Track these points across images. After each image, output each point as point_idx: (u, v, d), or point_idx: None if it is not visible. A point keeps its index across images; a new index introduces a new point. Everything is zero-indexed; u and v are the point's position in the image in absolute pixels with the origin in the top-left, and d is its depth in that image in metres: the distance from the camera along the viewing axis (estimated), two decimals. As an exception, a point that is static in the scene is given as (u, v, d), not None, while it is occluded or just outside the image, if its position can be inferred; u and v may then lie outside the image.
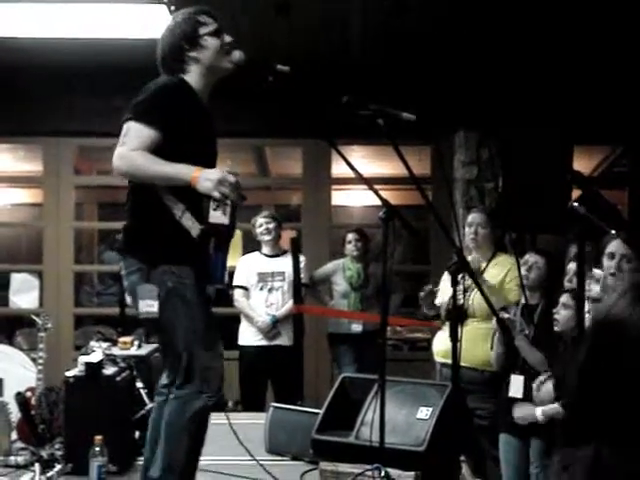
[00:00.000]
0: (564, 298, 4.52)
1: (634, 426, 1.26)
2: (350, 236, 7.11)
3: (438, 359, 5.37)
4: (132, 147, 3.43)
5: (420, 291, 5.50)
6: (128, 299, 3.84)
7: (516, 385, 4.63)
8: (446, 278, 5.19)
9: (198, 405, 3.56)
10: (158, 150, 3.44)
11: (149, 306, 3.52)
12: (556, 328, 4.52)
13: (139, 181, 3.52)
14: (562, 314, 4.49)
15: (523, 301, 4.87)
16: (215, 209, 3.45)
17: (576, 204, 3.90)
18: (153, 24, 5.74)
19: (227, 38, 3.70)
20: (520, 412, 4.63)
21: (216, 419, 3.88)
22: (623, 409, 1.27)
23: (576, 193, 7.14)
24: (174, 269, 3.53)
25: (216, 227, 3.48)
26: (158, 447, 3.62)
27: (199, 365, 3.55)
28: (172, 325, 3.56)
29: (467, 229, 5.39)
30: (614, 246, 3.87)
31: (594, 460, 1.32)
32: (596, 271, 4.43)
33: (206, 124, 3.68)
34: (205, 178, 3.41)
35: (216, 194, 3.40)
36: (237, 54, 3.69)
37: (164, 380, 3.77)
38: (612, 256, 3.82)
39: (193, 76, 3.67)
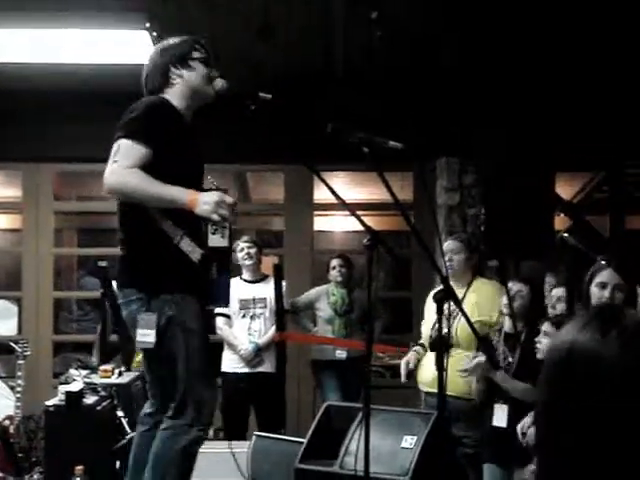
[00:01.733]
0: (545, 326, 4.50)
1: (594, 455, 1.23)
2: (334, 262, 7.08)
3: (423, 388, 5.34)
4: (125, 165, 3.39)
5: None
6: (129, 329, 3.78)
7: (500, 414, 4.60)
8: (430, 306, 5.17)
9: (188, 438, 3.52)
10: (147, 167, 3.40)
11: (145, 335, 3.47)
12: (538, 356, 4.50)
13: (131, 200, 3.46)
14: (544, 342, 4.48)
15: (506, 329, 4.85)
16: (214, 233, 3.43)
17: (566, 234, 3.91)
18: (134, 50, 5.74)
19: (214, 72, 3.72)
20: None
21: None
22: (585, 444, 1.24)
23: (559, 220, 7.19)
24: (175, 298, 3.49)
25: (216, 251, 3.46)
26: (144, 477, 3.57)
27: (194, 397, 3.52)
28: (171, 355, 3.51)
29: (445, 257, 5.38)
30: (605, 276, 3.85)
31: None
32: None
33: (192, 143, 3.67)
34: (204, 202, 3.38)
35: (215, 217, 3.37)
36: (220, 83, 3.71)
37: (148, 409, 3.72)
38: (603, 285, 3.80)
39: (175, 96, 3.67)
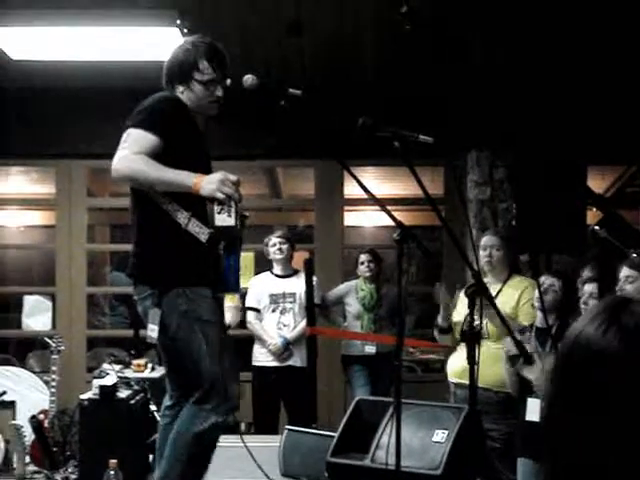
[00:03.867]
0: (578, 321, 4.49)
1: (602, 449, 1.23)
2: (363, 257, 7.09)
3: (452, 379, 5.35)
4: (133, 151, 3.43)
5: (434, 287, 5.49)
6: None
7: (533, 408, 4.58)
8: (462, 299, 5.17)
9: (208, 423, 3.53)
10: (156, 157, 3.43)
11: (152, 331, 3.52)
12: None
13: (138, 185, 3.51)
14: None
15: (537, 323, 4.84)
16: (220, 212, 3.43)
17: (597, 227, 3.92)
18: (165, 47, 5.77)
19: (219, 92, 3.72)
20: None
21: (230, 441, 3.86)
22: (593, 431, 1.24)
23: (591, 214, 7.15)
24: (188, 291, 3.52)
25: (223, 230, 3.45)
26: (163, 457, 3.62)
27: (220, 386, 3.54)
28: (189, 347, 3.54)
29: (481, 252, 5.37)
30: (622, 271, 3.93)
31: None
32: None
33: (200, 142, 3.72)
34: (207, 181, 3.41)
35: (220, 195, 3.39)
36: (249, 79, 3.71)
37: (168, 402, 3.76)
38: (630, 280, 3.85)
39: (184, 98, 3.72)
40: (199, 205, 3.48)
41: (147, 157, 3.41)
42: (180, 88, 3.71)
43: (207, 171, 3.66)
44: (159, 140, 3.45)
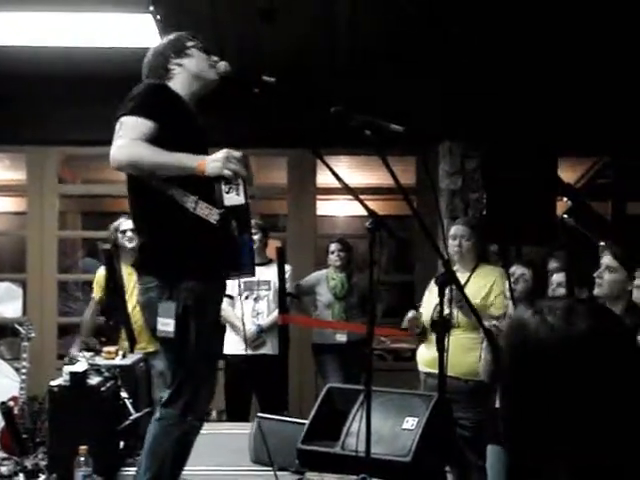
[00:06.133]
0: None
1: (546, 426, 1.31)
2: (333, 246, 7.11)
3: (423, 369, 5.38)
4: (130, 138, 3.35)
5: (405, 316, 5.48)
6: (143, 313, 3.78)
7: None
8: (432, 289, 5.20)
9: (181, 430, 3.50)
10: (152, 142, 3.35)
11: (165, 325, 3.43)
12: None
13: (139, 172, 3.40)
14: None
15: (509, 313, 4.88)
16: (228, 191, 3.34)
17: (566, 216, 3.96)
18: (138, 33, 5.76)
19: (213, 57, 3.72)
20: None
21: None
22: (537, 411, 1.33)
23: (561, 205, 7.20)
24: (196, 288, 3.44)
25: (234, 209, 3.37)
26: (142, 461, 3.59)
27: (190, 387, 3.50)
28: (179, 343, 3.48)
29: (451, 241, 5.40)
30: (604, 258, 3.98)
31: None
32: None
33: (195, 127, 3.63)
34: (212, 160, 3.34)
35: (227, 172, 3.32)
36: (223, 65, 3.71)
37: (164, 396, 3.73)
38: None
39: (177, 83, 3.66)
40: (205, 187, 3.37)
41: (145, 142, 3.33)
42: (176, 62, 3.66)
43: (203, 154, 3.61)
44: (154, 124, 3.37)
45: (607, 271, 4.07)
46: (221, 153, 3.37)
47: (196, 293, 3.44)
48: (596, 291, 4.10)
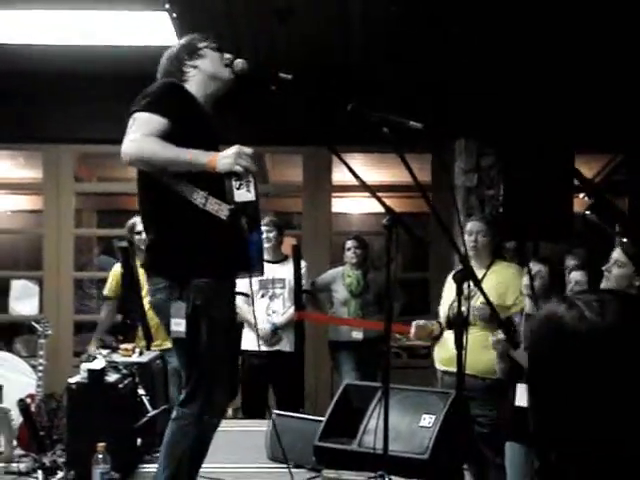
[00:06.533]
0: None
1: (582, 422, 1.31)
2: (349, 243, 7.11)
3: (440, 367, 5.37)
4: (142, 133, 3.35)
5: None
6: (156, 314, 3.79)
7: (522, 393, 4.61)
8: (449, 286, 5.19)
9: (198, 430, 3.50)
10: (165, 138, 3.34)
11: (178, 325, 3.42)
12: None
13: (150, 168, 3.40)
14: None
15: (527, 309, 4.87)
16: (239, 188, 3.32)
17: (588, 212, 3.97)
18: (154, 31, 5.77)
19: (227, 54, 3.72)
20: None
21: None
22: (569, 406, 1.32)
23: (577, 201, 7.18)
24: (206, 287, 3.42)
25: (244, 205, 3.35)
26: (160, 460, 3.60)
27: (205, 388, 3.49)
28: (192, 343, 3.47)
29: (467, 237, 5.39)
30: (614, 252, 3.99)
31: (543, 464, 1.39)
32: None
33: (208, 128, 3.62)
34: (223, 156, 3.34)
35: (238, 168, 3.31)
36: (240, 63, 3.70)
37: (181, 396, 3.73)
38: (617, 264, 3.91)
39: (193, 85, 3.66)
40: (215, 184, 3.35)
41: (157, 138, 3.33)
42: (190, 64, 3.67)
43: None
44: (167, 121, 3.36)
45: (616, 265, 4.10)
46: (232, 149, 3.36)
47: (205, 292, 3.42)
48: (603, 284, 4.12)
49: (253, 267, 3.55)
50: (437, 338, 5.43)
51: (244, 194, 3.35)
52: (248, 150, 3.39)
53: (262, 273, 3.69)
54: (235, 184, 3.34)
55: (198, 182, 3.39)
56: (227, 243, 3.41)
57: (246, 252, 3.45)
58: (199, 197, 3.38)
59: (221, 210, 3.36)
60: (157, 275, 3.58)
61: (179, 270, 3.46)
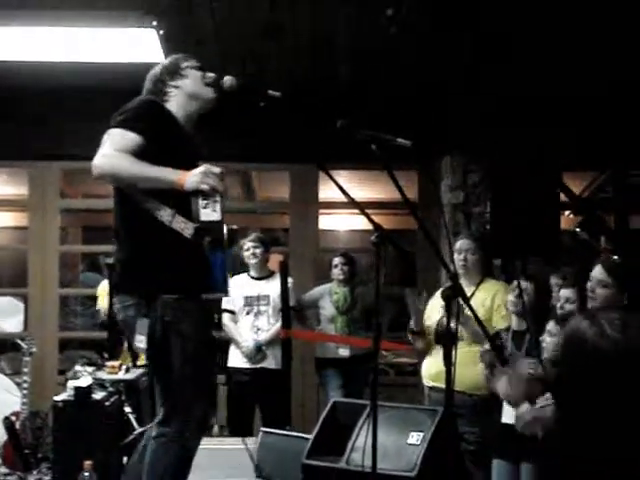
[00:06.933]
0: (550, 325, 4.53)
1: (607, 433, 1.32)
2: (336, 260, 7.12)
3: (427, 383, 5.36)
4: (114, 148, 3.39)
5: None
6: (125, 332, 3.77)
7: (509, 411, 4.61)
8: (437, 302, 5.19)
9: (178, 446, 3.49)
10: (139, 155, 3.38)
11: (141, 342, 3.44)
12: (545, 355, 4.52)
13: (119, 183, 3.46)
14: (547, 341, 4.50)
15: (514, 327, 4.87)
16: (205, 207, 3.36)
17: (578, 229, 3.97)
18: (141, 48, 5.76)
19: (209, 74, 3.75)
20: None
21: (204, 443, 3.84)
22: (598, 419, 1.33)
23: (564, 219, 7.20)
24: (174, 303, 3.44)
25: (209, 224, 3.39)
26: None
27: (183, 405, 3.48)
28: (168, 362, 3.47)
29: (456, 255, 5.40)
30: (595, 271, 3.98)
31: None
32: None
33: (187, 147, 3.64)
34: (191, 174, 3.37)
35: (204, 186, 3.35)
36: (228, 80, 3.72)
37: (158, 416, 3.72)
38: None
39: (173, 104, 3.71)
40: (183, 202, 3.40)
41: (128, 154, 3.37)
42: (172, 84, 3.70)
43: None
44: (141, 139, 3.41)
45: (599, 285, 4.06)
46: (200, 168, 3.40)
47: (174, 308, 3.43)
48: (590, 305, 4.09)
49: (215, 287, 3.56)
50: (424, 353, 5.43)
51: (210, 213, 3.39)
52: (216, 169, 3.42)
53: (227, 294, 3.71)
54: (202, 203, 3.38)
55: (167, 200, 3.43)
56: (192, 262, 3.44)
57: (208, 273, 3.47)
58: (166, 215, 3.42)
59: (186, 228, 3.40)
60: (125, 292, 3.58)
61: (146, 286, 3.48)
